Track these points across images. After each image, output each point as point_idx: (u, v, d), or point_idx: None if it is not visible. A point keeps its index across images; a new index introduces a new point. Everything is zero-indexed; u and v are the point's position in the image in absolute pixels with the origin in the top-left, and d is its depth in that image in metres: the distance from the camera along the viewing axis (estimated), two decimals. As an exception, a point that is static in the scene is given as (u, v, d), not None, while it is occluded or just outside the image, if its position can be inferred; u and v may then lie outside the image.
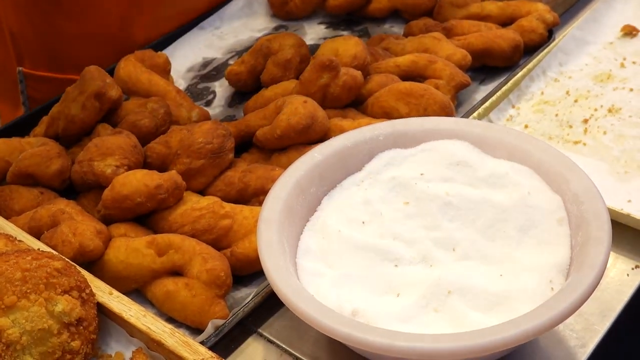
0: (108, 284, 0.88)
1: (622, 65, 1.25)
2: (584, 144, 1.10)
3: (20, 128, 1.20)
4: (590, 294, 0.73)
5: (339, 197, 0.92)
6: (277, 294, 0.78)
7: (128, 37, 1.38)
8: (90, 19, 1.36)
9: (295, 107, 1.06)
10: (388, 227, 0.87)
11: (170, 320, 0.90)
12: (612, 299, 0.90)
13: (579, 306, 0.73)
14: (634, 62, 1.25)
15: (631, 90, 1.20)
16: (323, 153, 0.93)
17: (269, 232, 0.84)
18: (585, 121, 1.15)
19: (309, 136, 1.06)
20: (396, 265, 0.83)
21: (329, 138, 0.99)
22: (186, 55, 1.40)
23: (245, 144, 1.14)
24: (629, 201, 0.99)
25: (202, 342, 0.84)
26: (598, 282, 0.75)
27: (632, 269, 0.93)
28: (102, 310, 0.85)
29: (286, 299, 0.76)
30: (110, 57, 1.30)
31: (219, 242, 0.96)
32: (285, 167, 1.04)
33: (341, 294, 0.80)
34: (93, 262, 0.94)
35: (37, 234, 0.97)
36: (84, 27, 1.37)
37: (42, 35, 1.38)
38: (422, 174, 0.91)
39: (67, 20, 1.36)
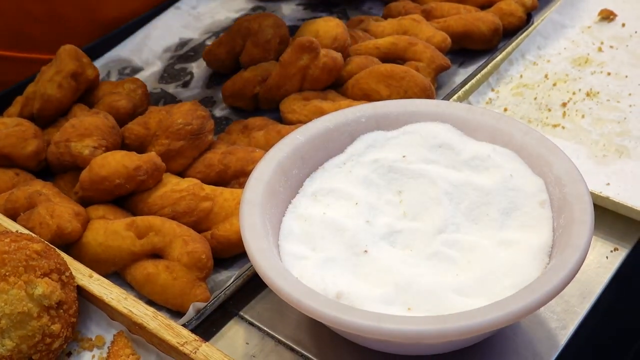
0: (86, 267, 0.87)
1: (600, 50, 1.26)
2: (563, 128, 1.11)
3: (-8, 108, 1.18)
4: (574, 275, 0.74)
5: (321, 179, 0.91)
6: (261, 277, 0.77)
7: (96, 17, 1.36)
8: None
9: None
10: (370, 209, 0.87)
11: (150, 303, 0.89)
12: (592, 281, 0.90)
13: (563, 288, 0.73)
14: (611, 47, 1.26)
15: (609, 74, 1.20)
16: (305, 135, 0.93)
17: (251, 214, 0.83)
18: (564, 105, 1.15)
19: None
20: (379, 248, 0.83)
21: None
22: (162, 36, 1.38)
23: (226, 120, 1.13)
24: (608, 184, 1.00)
25: (183, 325, 0.84)
26: (581, 264, 0.75)
27: (611, 251, 0.94)
28: (82, 294, 0.84)
29: (271, 282, 0.76)
30: (77, 37, 1.28)
31: (199, 224, 0.95)
32: (262, 146, 1.04)
33: (325, 276, 0.80)
34: (71, 245, 0.93)
35: (12, 216, 0.95)
36: (51, 6, 1.34)
37: (4, 13, 1.35)
38: (404, 156, 0.91)
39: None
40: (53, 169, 1.05)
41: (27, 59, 1.37)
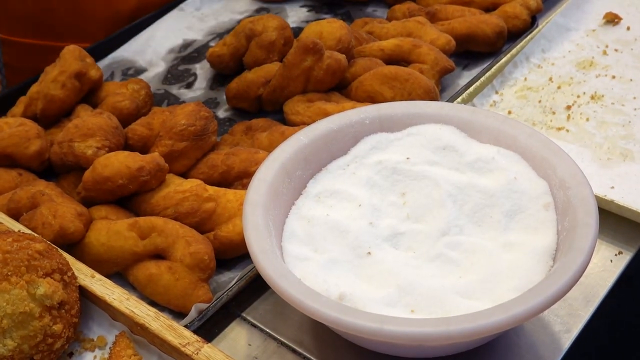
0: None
1: (605, 53, 1.25)
2: (567, 131, 1.11)
3: (-4, 108, 1.18)
4: (579, 278, 0.73)
5: (325, 180, 0.91)
6: (264, 278, 0.77)
7: (115, 6, 1.36)
8: None
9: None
10: (374, 211, 0.86)
11: (152, 304, 0.89)
12: (596, 285, 0.90)
13: (567, 291, 0.73)
14: (615, 50, 1.26)
15: (613, 77, 1.20)
16: (308, 136, 0.92)
17: (255, 215, 0.83)
18: (568, 108, 1.15)
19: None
20: (382, 250, 0.83)
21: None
22: (166, 37, 1.38)
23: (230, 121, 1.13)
24: (612, 187, 0.99)
25: (185, 326, 0.83)
26: (585, 268, 0.75)
27: (615, 255, 0.94)
28: (84, 294, 0.83)
29: (273, 283, 0.75)
30: (96, 26, 1.28)
31: (202, 225, 0.95)
32: (266, 147, 1.04)
33: (327, 278, 0.79)
34: (73, 245, 0.93)
35: (15, 215, 0.95)
36: None
37: (22, 2, 1.36)
38: (408, 158, 0.91)
39: None
40: (56, 169, 1.05)
41: (47, 47, 1.38)
